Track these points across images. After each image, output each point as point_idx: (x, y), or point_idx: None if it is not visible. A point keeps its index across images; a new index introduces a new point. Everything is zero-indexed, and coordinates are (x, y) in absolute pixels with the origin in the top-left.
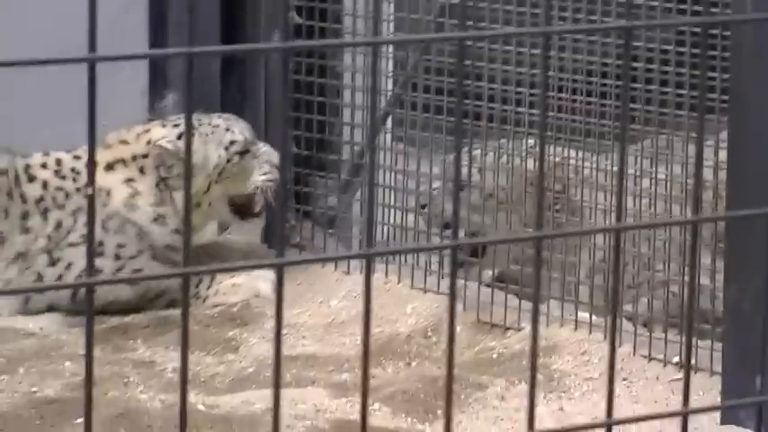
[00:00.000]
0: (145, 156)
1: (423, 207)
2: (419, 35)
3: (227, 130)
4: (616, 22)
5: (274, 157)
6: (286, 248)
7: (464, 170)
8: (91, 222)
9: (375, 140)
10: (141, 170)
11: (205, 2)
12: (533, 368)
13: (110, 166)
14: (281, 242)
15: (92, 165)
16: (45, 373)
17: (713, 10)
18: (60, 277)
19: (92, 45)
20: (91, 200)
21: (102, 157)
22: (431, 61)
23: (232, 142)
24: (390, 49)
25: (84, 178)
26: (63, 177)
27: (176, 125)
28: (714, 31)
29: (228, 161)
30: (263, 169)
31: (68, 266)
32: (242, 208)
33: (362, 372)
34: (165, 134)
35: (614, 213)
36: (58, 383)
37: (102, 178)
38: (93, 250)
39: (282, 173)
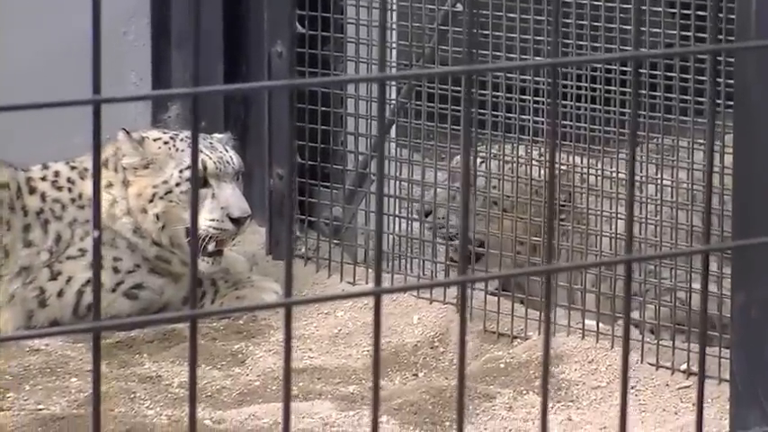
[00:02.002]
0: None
1: (427, 215)
2: (426, 69)
3: None
4: (628, 52)
5: (235, 208)
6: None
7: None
8: (97, 262)
9: (381, 187)
10: (116, 168)
11: (208, 12)
12: (545, 387)
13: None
14: (289, 282)
15: (97, 208)
16: (51, 389)
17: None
18: (61, 291)
19: (96, 87)
20: (97, 243)
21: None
22: (435, 68)
23: (188, 167)
24: (394, 56)
25: (78, 187)
26: (59, 188)
27: (167, 133)
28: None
29: (177, 185)
30: (214, 215)
31: (69, 281)
32: None
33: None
34: (154, 134)
35: (623, 240)
36: (63, 401)
37: (89, 185)
38: (98, 293)
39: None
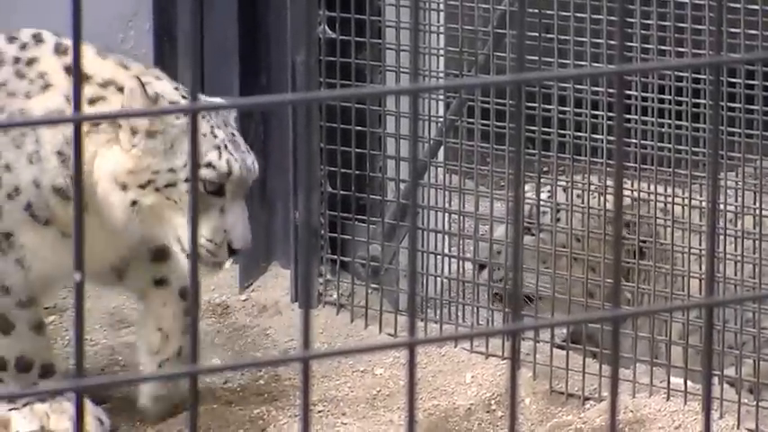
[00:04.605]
0: (107, 84)
1: (481, 268)
2: (468, 79)
3: (218, 148)
4: (705, 58)
5: (239, 238)
6: (321, 305)
7: (530, 209)
8: (80, 313)
9: (415, 219)
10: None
11: (221, 14)
12: None
13: (68, 69)
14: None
15: (79, 245)
16: None
17: None
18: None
19: (77, 103)
20: (79, 287)
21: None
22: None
23: (208, 165)
24: (441, 65)
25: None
26: None
27: (183, 94)
28: None
29: (187, 181)
30: (214, 235)
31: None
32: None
33: None
34: (173, 95)
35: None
36: None
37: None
38: (82, 348)
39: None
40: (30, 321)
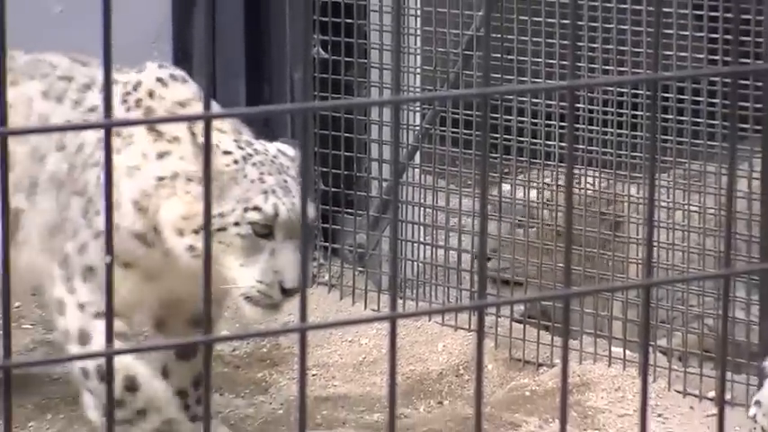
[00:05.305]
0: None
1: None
2: (442, 91)
3: (265, 192)
4: (643, 75)
5: (290, 279)
6: (315, 285)
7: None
8: (109, 294)
9: (397, 210)
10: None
11: (230, 37)
12: (563, 410)
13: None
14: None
15: (110, 229)
16: (72, 419)
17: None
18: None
19: (107, 110)
20: (108, 269)
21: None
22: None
23: (255, 208)
24: (418, 81)
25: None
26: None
27: (244, 148)
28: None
29: (236, 225)
30: (265, 277)
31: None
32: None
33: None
34: (227, 143)
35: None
36: (84, 429)
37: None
38: (111, 318)
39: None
40: None
